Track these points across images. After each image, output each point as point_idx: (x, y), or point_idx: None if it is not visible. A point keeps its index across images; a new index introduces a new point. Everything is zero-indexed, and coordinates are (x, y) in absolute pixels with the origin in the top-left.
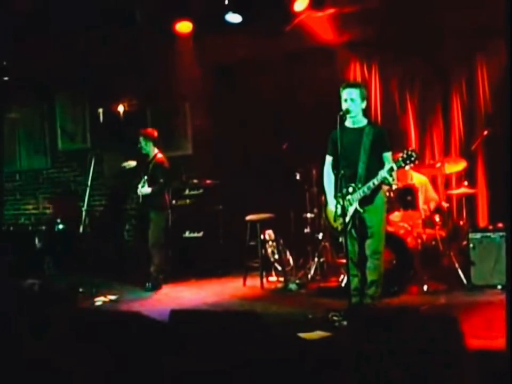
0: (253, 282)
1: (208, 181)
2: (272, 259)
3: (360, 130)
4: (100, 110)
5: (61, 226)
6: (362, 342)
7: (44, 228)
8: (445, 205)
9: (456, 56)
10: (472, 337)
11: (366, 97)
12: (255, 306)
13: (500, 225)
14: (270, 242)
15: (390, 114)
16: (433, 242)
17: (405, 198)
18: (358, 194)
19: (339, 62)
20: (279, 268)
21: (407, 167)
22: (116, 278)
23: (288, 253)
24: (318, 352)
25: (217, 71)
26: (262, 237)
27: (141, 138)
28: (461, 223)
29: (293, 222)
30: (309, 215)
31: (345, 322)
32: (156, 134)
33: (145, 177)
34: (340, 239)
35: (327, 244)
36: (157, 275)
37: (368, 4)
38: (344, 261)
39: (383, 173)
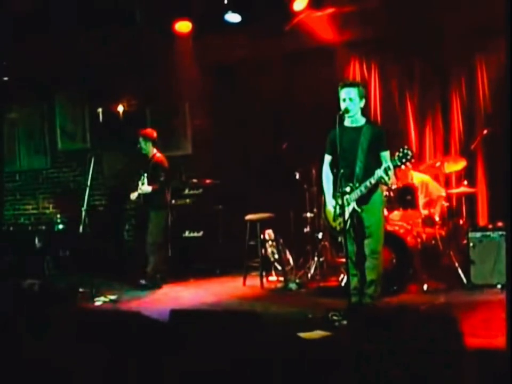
0: (253, 282)
1: (208, 181)
2: (272, 259)
3: (358, 129)
4: (100, 110)
5: (61, 226)
6: (362, 341)
7: (43, 227)
8: (444, 204)
9: (456, 56)
10: (472, 336)
11: (364, 95)
12: (255, 306)
13: (500, 224)
14: (270, 242)
15: (389, 114)
16: (433, 242)
17: (405, 197)
18: (355, 194)
19: (339, 62)
20: (279, 268)
21: (403, 166)
22: (116, 278)
23: (288, 253)
24: (318, 352)
25: (217, 71)
26: (261, 236)
27: (141, 139)
28: (461, 222)
29: (293, 222)
30: (308, 214)
31: (345, 322)
32: (155, 134)
33: (145, 175)
34: (339, 239)
35: (326, 243)
36: (154, 274)
37: (368, 3)
38: (343, 260)
39: (379, 172)
